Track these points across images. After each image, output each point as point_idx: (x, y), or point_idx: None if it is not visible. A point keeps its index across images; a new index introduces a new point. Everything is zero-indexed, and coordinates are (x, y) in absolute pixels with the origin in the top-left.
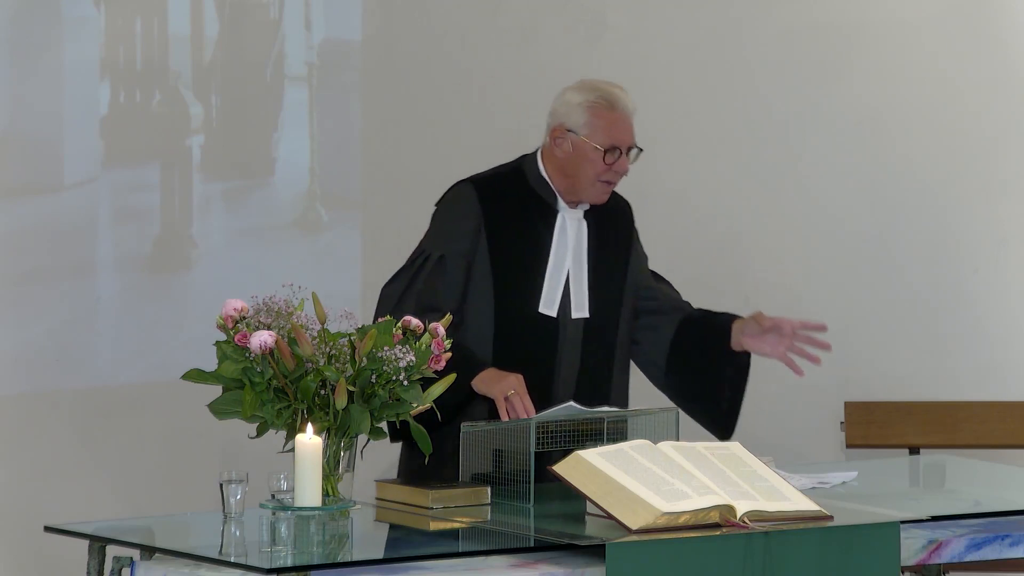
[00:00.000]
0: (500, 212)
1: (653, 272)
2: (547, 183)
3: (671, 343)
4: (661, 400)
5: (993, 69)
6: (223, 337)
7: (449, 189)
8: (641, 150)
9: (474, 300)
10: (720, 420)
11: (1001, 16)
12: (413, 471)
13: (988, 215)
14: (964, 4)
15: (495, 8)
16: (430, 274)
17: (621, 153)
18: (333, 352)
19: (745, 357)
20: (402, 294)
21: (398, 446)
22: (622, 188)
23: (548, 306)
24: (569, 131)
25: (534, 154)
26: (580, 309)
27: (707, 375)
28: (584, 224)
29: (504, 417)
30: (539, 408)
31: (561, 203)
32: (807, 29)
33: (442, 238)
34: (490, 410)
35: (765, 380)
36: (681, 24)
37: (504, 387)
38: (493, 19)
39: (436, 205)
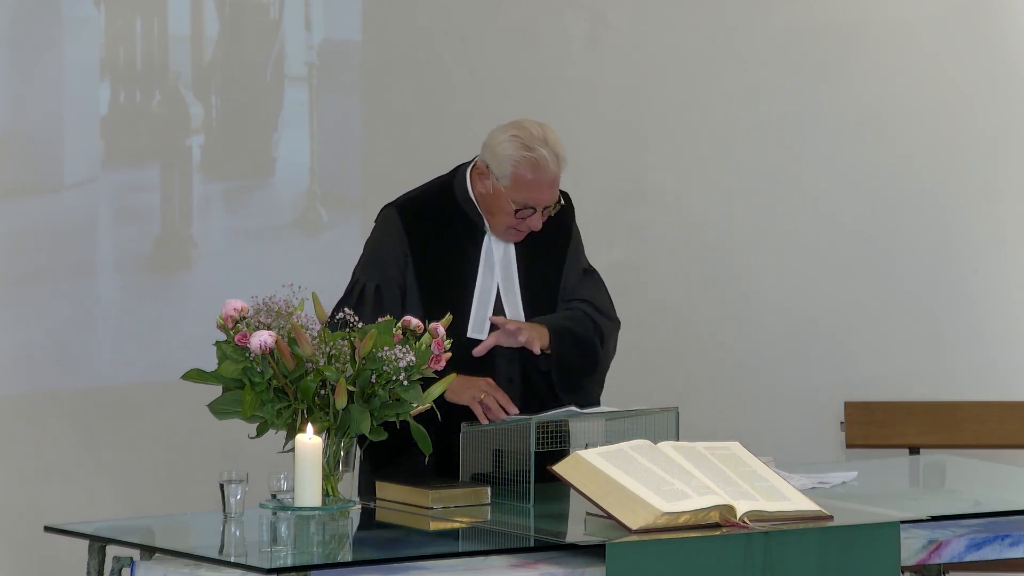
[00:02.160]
0: (425, 235)
1: (586, 268)
2: (474, 203)
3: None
4: (661, 400)
5: (993, 69)
6: (223, 337)
7: (379, 212)
8: (561, 203)
9: None
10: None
11: (1001, 16)
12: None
13: (988, 215)
14: (964, 4)
15: (495, 8)
16: (372, 305)
17: (535, 211)
18: (333, 352)
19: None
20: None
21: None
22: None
23: (477, 329)
24: (492, 174)
25: (466, 169)
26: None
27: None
28: (512, 246)
29: (483, 420)
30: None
31: (488, 222)
32: (807, 29)
33: (373, 267)
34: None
35: (765, 380)
36: (681, 24)
37: (474, 392)
38: (493, 19)
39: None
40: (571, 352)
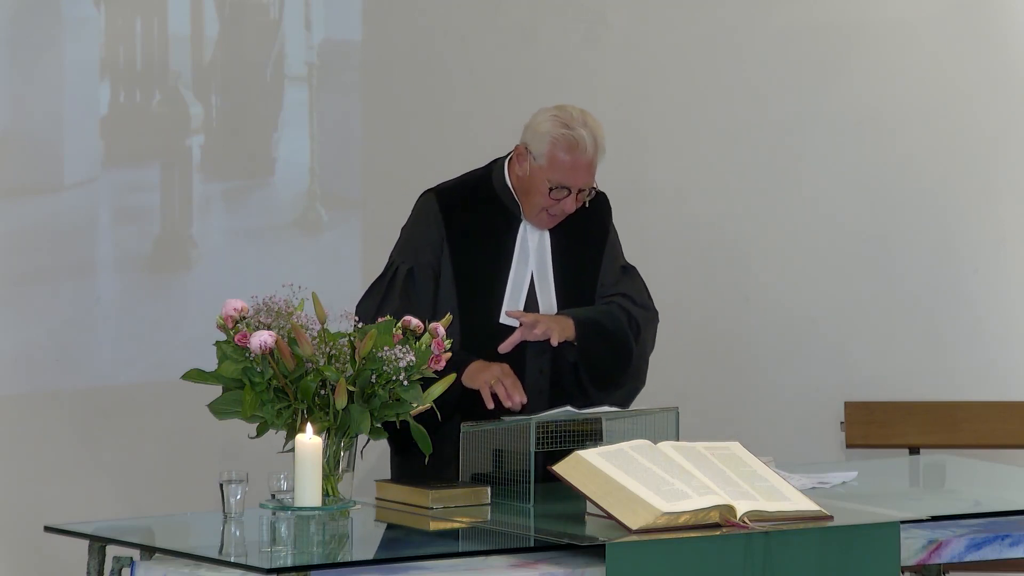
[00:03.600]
0: (462, 222)
1: (624, 266)
2: (511, 191)
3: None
4: (661, 400)
5: (993, 69)
6: (223, 337)
7: (418, 198)
8: (595, 191)
9: (442, 311)
10: (585, 393)
11: (1001, 16)
12: (405, 474)
13: (988, 215)
14: (964, 4)
15: (495, 8)
16: (402, 287)
17: (569, 192)
18: (333, 352)
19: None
20: (377, 308)
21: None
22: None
23: (511, 317)
24: (530, 153)
25: (504, 160)
26: (548, 310)
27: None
28: (547, 234)
29: (489, 404)
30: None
31: (524, 211)
32: (807, 29)
33: (409, 250)
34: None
35: (765, 380)
36: (681, 24)
37: (488, 376)
38: (493, 19)
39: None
40: (598, 344)
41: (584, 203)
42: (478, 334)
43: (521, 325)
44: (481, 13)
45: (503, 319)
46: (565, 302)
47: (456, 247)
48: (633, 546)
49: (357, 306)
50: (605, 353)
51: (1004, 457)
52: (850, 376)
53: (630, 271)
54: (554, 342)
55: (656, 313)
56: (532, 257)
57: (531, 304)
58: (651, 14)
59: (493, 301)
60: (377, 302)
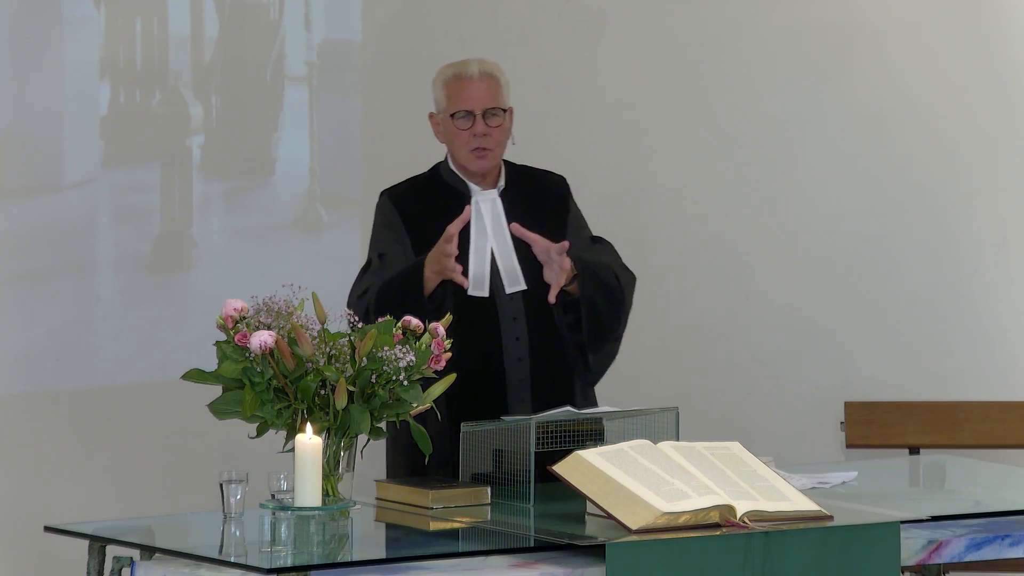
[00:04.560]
0: (415, 212)
1: (594, 237)
2: (455, 174)
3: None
4: (661, 400)
5: (993, 69)
6: (223, 337)
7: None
8: (505, 110)
9: None
10: (584, 357)
11: (1001, 16)
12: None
13: (988, 215)
14: (964, 4)
15: (495, 8)
16: (377, 270)
17: (475, 116)
18: (333, 352)
19: (569, 299)
20: (362, 291)
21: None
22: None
23: (478, 287)
24: (438, 114)
25: (446, 155)
26: (514, 283)
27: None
28: (499, 201)
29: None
30: (538, 407)
31: (473, 187)
32: (807, 29)
33: (376, 245)
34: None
35: (765, 380)
36: (681, 24)
37: (439, 268)
38: (493, 19)
39: None
40: (598, 287)
41: (509, 136)
42: (451, 311)
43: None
44: (481, 13)
45: (471, 290)
46: (532, 270)
47: (415, 235)
48: (633, 546)
49: (347, 303)
50: (602, 298)
51: (1004, 457)
52: (850, 376)
53: (602, 241)
54: (551, 298)
55: (634, 277)
56: (489, 229)
57: (495, 275)
58: (652, 13)
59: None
60: (362, 289)
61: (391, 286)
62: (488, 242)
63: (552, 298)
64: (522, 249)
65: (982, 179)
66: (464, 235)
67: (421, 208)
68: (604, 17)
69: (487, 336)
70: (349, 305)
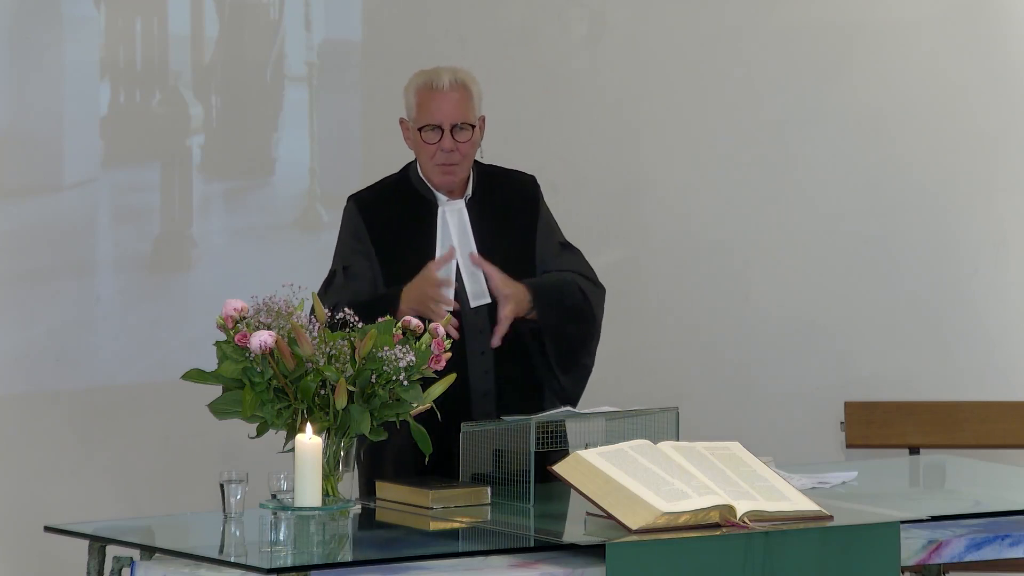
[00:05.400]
0: (381, 221)
1: (563, 243)
2: (423, 180)
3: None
4: (661, 400)
5: (993, 69)
6: (223, 337)
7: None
8: (474, 125)
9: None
10: (557, 379)
11: (1001, 16)
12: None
13: (988, 215)
14: (964, 4)
15: (495, 8)
16: (339, 286)
17: (443, 131)
18: (333, 352)
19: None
20: (326, 295)
21: None
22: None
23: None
24: (408, 120)
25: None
26: (479, 296)
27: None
28: (465, 212)
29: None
30: (535, 409)
31: (441, 196)
32: (807, 29)
33: (341, 255)
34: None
35: (765, 380)
36: (681, 24)
37: (421, 296)
38: (493, 19)
39: None
40: (557, 311)
41: (478, 147)
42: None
43: (500, 313)
44: (481, 13)
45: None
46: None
47: (379, 245)
48: (633, 546)
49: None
50: (567, 320)
51: (1004, 457)
52: (850, 376)
53: (571, 248)
54: (495, 342)
55: (604, 289)
56: (455, 237)
57: (461, 288)
58: (651, 14)
59: None
60: (328, 302)
61: (362, 310)
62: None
63: (495, 342)
64: (492, 257)
65: (982, 179)
66: (430, 246)
67: (388, 216)
68: (604, 17)
69: (452, 347)
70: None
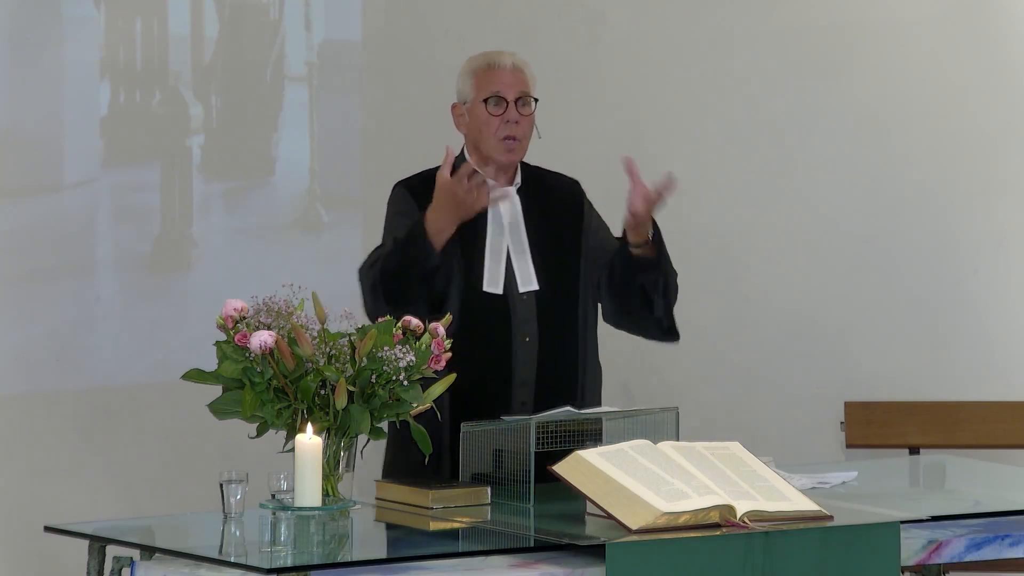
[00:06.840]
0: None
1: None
2: (473, 168)
3: (607, 282)
4: (661, 400)
5: (993, 69)
6: (223, 337)
7: (391, 193)
8: (536, 100)
9: None
10: (662, 323)
11: (1001, 16)
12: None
13: (988, 215)
14: (964, 4)
15: (495, 8)
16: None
17: (507, 103)
18: (333, 352)
19: (649, 254)
20: (372, 262)
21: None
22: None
23: (492, 284)
24: (464, 104)
25: (462, 150)
26: (527, 283)
27: (632, 290)
28: (517, 199)
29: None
30: (539, 407)
31: (491, 183)
32: (807, 29)
33: (391, 230)
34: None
35: (765, 380)
36: (680, 24)
37: (457, 196)
38: (493, 19)
39: None
40: (667, 259)
41: (534, 129)
42: (462, 306)
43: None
44: (481, 13)
45: (486, 286)
46: (544, 272)
47: None
48: (633, 546)
49: (360, 280)
50: (670, 269)
51: (1004, 457)
52: (850, 376)
53: None
54: (635, 236)
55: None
56: (507, 228)
57: (509, 274)
58: (651, 14)
59: (474, 274)
60: (371, 260)
61: (401, 255)
62: (504, 240)
63: (637, 225)
64: (537, 249)
65: (982, 179)
66: (480, 232)
67: None
68: (604, 17)
69: (497, 335)
70: (360, 278)
